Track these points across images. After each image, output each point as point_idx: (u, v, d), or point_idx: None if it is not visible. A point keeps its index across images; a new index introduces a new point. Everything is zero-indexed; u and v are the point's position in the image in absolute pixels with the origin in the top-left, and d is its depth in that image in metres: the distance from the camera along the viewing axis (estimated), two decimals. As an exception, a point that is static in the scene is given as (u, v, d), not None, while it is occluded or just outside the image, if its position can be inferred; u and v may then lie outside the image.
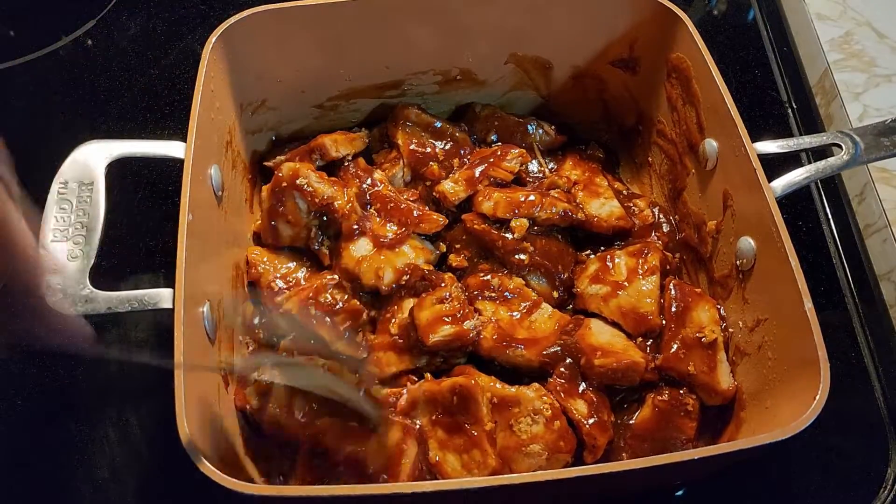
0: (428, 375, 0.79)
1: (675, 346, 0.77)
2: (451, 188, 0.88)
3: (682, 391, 0.76)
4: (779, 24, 1.19)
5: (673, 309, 0.79)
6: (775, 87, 1.12)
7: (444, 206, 0.89)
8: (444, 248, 0.88)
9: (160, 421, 0.81)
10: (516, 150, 0.92)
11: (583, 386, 0.76)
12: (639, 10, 0.88)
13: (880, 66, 1.08)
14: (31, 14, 1.18)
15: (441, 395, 0.74)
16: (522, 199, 0.85)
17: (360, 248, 0.84)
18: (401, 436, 0.71)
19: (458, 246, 0.87)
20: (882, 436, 0.82)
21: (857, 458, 0.82)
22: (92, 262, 0.67)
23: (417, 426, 0.73)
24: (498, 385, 0.75)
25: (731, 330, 0.79)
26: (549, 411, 0.73)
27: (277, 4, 0.85)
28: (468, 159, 0.93)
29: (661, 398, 0.76)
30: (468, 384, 0.73)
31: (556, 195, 0.88)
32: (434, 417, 0.74)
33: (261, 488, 0.61)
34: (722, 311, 0.80)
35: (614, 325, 0.80)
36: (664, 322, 0.79)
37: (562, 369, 0.77)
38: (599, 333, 0.79)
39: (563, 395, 0.75)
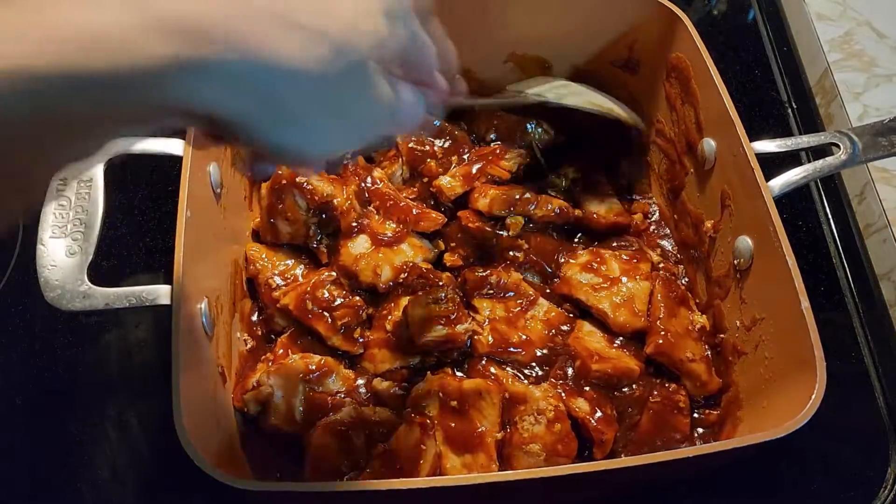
0: (448, 370, 0.79)
1: (666, 335, 0.78)
2: (449, 183, 0.88)
3: (670, 387, 0.77)
4: (779, 24, 1.19)
5: (661, 308, 0.80)
6: (775, 87, 1.12)
7: (440, 202, 0.89)
8: (442, 245, 0.88)
9: (160, 421, 0.81)
10: (515, 150, 0.92)
11: (582, 384, 0.76)
12: (638, 11, 0.89)
13: (880, 66, 1.08)
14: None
15: (459, 394, 0.73)
16: (518, 196, 0.85)
17: (359, 245, 0.84)
18: (419, 436, 0.71)
19: (452, 244, 0.87)
20: (882, 436, 0.82)
21: (857, 458, 0.82)
22: (90, 258, 0.67)
23: (428, 421, 0.73)
24: (509, 381, 0.75)
25: (721, 336, 0.79)
26: (552, 413, 0.72)
27: (276, 4, 0.85)
28: (467, 158, 0.93)
29: (653, 400, 0.76)
30: (491, 390, 0.73)
31: (552, 193, 0.88)
32: (445, 411, 0.73)
33: (258, 484, 0.61)
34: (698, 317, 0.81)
35: (601, 322, 0.80)
36: (650, 320, 0.80)
37: (558, 370, 0.77)
38: (592, 337, 0.79)
39: (564, 393, 0.75)
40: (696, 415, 0.78)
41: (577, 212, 0.87)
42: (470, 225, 0.85)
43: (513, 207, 0.85)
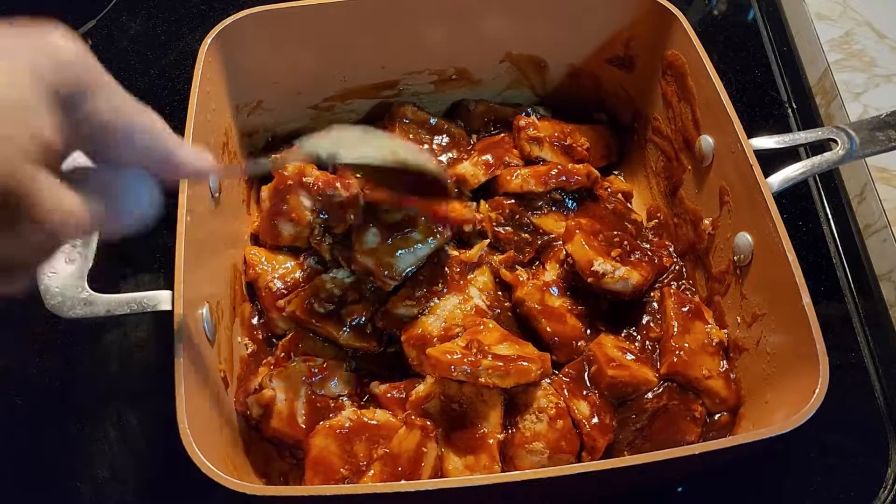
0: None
1: (679, 354, 0.77)
2: (472, 171, 0.88)
3: (690, 396, 0.76)
4: (779, 24, 1.19)
5: (673, 325, 0.79)
6: (775, 87, 1.12)
7: (462, 190, 0.89)
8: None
9: (160, 421, 0.81)
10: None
11: (591, 388, 0.76)
12: (634, 8, 0.89)
13: (880, 66, 1.08)
14: (31, 14, 1.18)
15: (459, 395, 0.73)
16: (550, 171, 0.87)
17: (370, 240, 0.82)
18: (420, 438, 0.71)
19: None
20: (882, 436, 0.82)
21: (857, 457, 0.82)
22: (90, 264, 0.67)
23: (428, 423, 0.72)
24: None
25: (725, 331, 0.79)
26: (554, 410, 0.72)
27: (273, 5, 0.85)
28: (471, 151, 0.94)
29: (672, 402, 0.76)
30: (492, 391, 0.73)
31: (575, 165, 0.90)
32: (445, 413, 0.73)
33: (261, 488, 0.60)
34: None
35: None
36: (664, 337, 0.80)
37: (570, 369, 0.77)
38: (611, 345, 0.79)
39: (567, 393, 0.75)
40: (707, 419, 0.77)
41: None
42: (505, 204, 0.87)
43: (547, 181, 0.86)
